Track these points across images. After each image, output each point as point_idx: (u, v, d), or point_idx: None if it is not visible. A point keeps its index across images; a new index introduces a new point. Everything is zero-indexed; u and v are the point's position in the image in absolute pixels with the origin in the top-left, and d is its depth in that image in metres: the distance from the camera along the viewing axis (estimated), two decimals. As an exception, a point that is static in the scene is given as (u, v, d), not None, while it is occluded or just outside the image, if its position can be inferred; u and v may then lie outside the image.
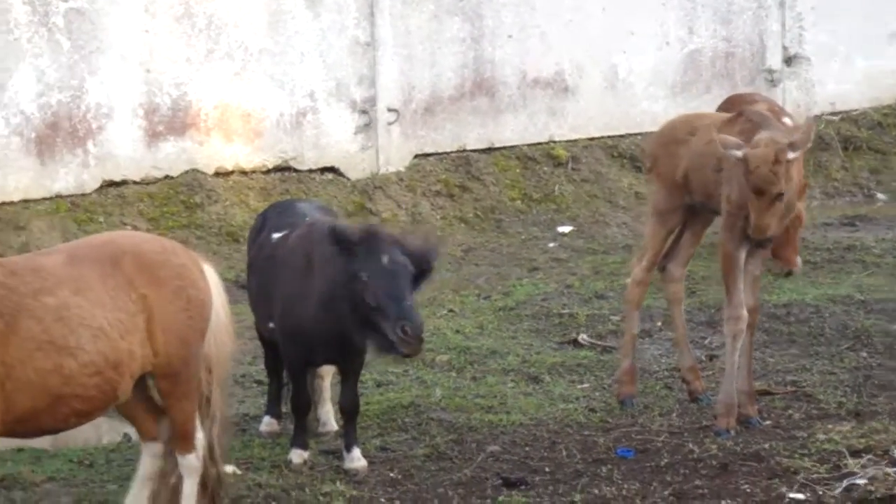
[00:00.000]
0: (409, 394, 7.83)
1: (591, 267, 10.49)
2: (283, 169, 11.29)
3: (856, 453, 6.65)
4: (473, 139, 12.11)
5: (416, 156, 11.82)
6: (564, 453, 7.00)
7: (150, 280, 5.66)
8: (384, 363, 7.85)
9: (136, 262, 5.67)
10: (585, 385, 8.06)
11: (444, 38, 12.01)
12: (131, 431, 6.80)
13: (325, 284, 6.60)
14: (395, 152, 11.73)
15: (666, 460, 6.85)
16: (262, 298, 7.03)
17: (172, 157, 11.02)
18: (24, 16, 10.58)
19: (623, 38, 12.71)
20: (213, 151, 11.13)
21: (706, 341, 8.84)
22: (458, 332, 8.97)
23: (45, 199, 10.57)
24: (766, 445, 6.93)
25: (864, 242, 10.84)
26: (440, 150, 11.92)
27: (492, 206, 11.61)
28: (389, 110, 11.73)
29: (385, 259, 6.43)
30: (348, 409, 6.85)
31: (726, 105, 11.00)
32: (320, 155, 11.50)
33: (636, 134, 12.68)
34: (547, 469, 6.82)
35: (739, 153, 6.90)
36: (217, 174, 11.06)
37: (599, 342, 8.80)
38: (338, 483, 6.64)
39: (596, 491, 6.52)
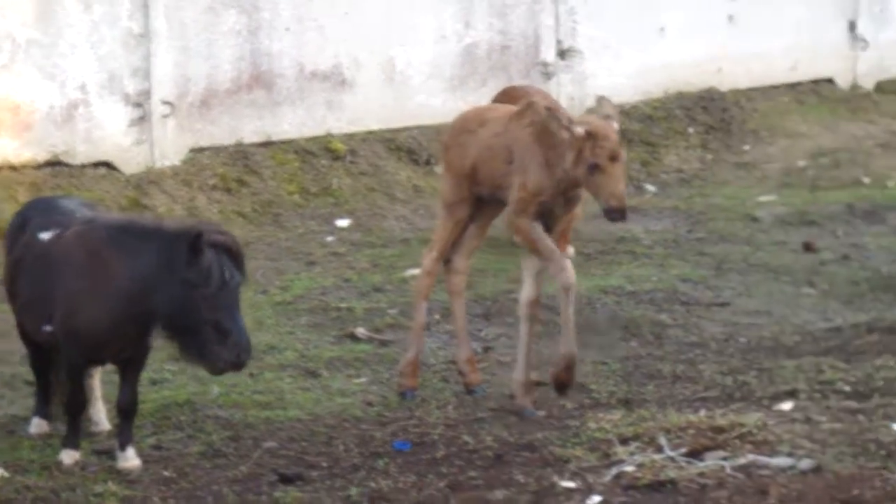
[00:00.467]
0: (184, 391, 7.75)
1: (370, 260, 10.53)
2: (54, 164, 11.03)
3: (625, 441, 6.81)
4: (251, 132, 12.02)
5: (192, 150, 11.68)
6: (341, 448, 7.02)
7: None
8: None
9: None
10: (363, 379, 8.09)
11: (220, 31, 11.88)
12: None
13: (136, 285, 6.47)
14: (170, 146, 11.57)
15: (442, 452, 6.92)
16: (37, 300, 6.83)
17: (-62, 151, 10.71)
18: None
19: (401, 32, 12.76)
20: (-20, 146, 10.85)
21: (482, 333, 8.95)
22: (235, 327, 8.90)
23: None
24: (540, 435, 7.06)
25: (635, 234, 11.10)
26: (217, 144, 11.80)
27: (269, 200, 11.54)
28: (164, 103, 11.55)
29: (227, 275, 6.38)
30: (127, 408, 6.75)
31: (501, 97, 11.11)
32: (93, 149, 11.27)
33: (414, 127, 12.75)
34: (324, 464, 6.83)
35: (581, 129, 7.08)
36: (-16, 169, 10.78)
37: (377, 336, 8.83)
38: (110, 483, 6.55)
39: (372, 484, 6.56)
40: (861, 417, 7.04)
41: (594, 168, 7.12)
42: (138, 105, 11.47)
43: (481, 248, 10.62)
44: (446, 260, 7.88)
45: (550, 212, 7.46)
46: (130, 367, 6.80)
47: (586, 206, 10.70)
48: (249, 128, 12.03)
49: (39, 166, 10.99)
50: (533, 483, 6.52)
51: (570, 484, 6.48)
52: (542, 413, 7.45)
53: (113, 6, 11.33)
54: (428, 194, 12.12)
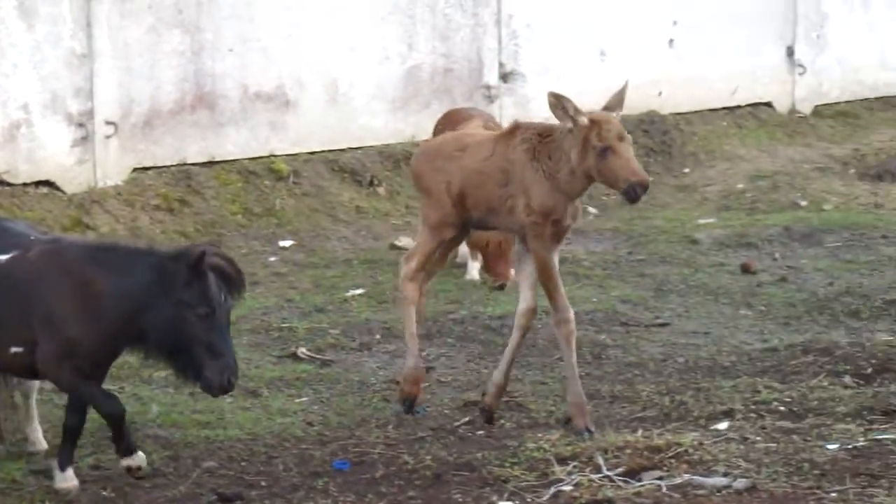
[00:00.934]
0: (124, 410, 7.73)
1: (312, 281, 10.56)
2: (-6, 183, 11.03)
3: (563, 460, 6.85)
4: (194, 153, 12.04)
5: (135, 169, 11.68)
6: (281, 467, 7.04)
7: None
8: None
9: None
10: (304, 399, 8.12)
11: (163, 51, 11.90)
12: None
13: (126, 304, 6.48)
14: (112, 166, 11.56)
15: (381, 472, 6.95)
16: (6, 322, 6.66)
17: None
18: None
19: (344, 53, 12.83)
20: (-76, 165, 10.82)
21: (423, 353, 8.96)
22: (176, 347, 8.90)
23: None
24: (479, 455, 7.09)
25: (576, 255, 11.19)
26: (160, 164, 11.81)
27: (212, 220, 11.56)
28: (107, 123, 11.56)
29: (223, 297, 6.45)
30: (76, 429, 6.75)
31: (445, 120, 11.20)
32: (35, 169, 11.26)
33: (357, 148, 12.82)
34: (263, 483, 6.84)
35: (585, 118, 7.12)
36: (-74, 189, 10.74)
37: (319, 356, 8.86)
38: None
39: (312, 504, 6.59)
40: (795, 437, 7.13)
41: (606, 151, 7.07)
42: (81, 125, 11.46)
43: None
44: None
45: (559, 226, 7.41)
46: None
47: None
48: (193, 148, 12.05)
49: (-20, 186, 10.97)
50: (472, 502, 6.56)
51: None
52: (480, 432, 7.49)
53: (55, 26, 11.33)
54: (371, 215, 12.19)
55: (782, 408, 7.61)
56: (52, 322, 6.57)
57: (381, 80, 13.06)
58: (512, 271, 10.38)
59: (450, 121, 11.03)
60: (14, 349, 6.66)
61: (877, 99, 16.16)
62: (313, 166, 12.46)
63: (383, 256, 11.38)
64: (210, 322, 6.46)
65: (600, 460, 6.80)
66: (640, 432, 7.19)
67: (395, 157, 12.90)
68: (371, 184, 12.60)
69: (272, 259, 11.19)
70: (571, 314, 7.47)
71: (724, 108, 14.82)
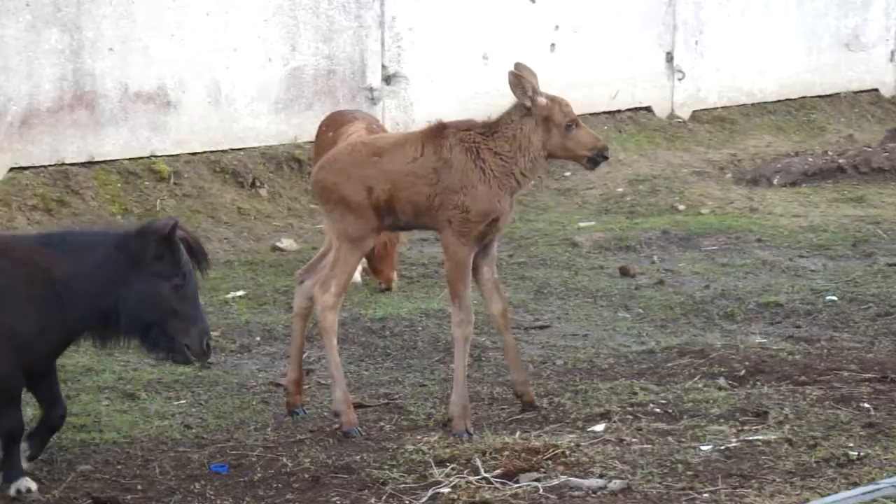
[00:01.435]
0: (-2, 414, 7.62)
1: (192, 283, 10.47)
2: None
3: (441, 463, 6.89)
4: (73, 153, 11.91)
5: (12, 169, 11.53)
6: (158, 470, 6.99)
7: None
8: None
9: None
10: (182, 401, 8.07)
11: (42, 50, 11.76)
12: None
13: (91, 286, 6.44)
14: (-11, 165, 11.42)
15: (259, 475, 6.93)
16: None
17: None
18: None
19: (226, 54, 12.77)
20: None
21: (304, 356, 8.95)
22: (52, 349, 8.79)
23: None
24: (358, 457, 7.11)
25: (457, 258, 11.23)
26: (37, 164, 11.67)
27: (91, 221, 11.43)
28: (-17, 122, 11.41)
29: (190, 264, 6.55)
30: (60, 423, 6.73)
31: (328, 122, 11.20)
32: None
33: (239, 149, 12.77)
34: (139, 487, 6.79)
35: (544, 99, 7.33)
36: None
37: (198, 358, 8.79)
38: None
39: (188, 508, 6.56)
40: (670, 439, 7.23)
41: (571, 126, 7.36)
42: (-44, 123, 11.30)
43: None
44: (300, 281, 7.78)
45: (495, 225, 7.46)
46: (51, 377, 6.71)
47: (410, 233, 10.87)
48: (71, 148, 11.92)
49: None
50: (350, 505, 6.58)
51: (387, 505, 6.55)
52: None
53: (-70, 22, 11.16)
54: (252, 217, 12.14)
55: (658, 409, 7.71)
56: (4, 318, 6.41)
57: (264, 82, 13.01)
58: (395, 275, 10.46)
59: (333, 123, 11.04)
60: None
61: (753, 105, 16.43)
62: (194, 167, 12.39)
63: (265, 258, 11.35)
64: (184, 291, 6.53)
65: (478, 462, 6.85)
66: (518, 434, 7.26)
67: (278, 159, 12.86)
68: (253, 185, 12.56)
69: (152, 260, 11.08)
70: (472, 317, 7.50)
71: (604, 113, 14.97)
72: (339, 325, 9.35)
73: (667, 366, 8.55)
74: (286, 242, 11.60)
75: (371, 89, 13.67)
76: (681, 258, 11.41)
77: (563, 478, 6.70)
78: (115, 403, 7.95)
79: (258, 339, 9.23)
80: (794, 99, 16.81)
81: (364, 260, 10.43)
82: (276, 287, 10.44)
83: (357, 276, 10.57)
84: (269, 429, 7.60)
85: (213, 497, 6.67)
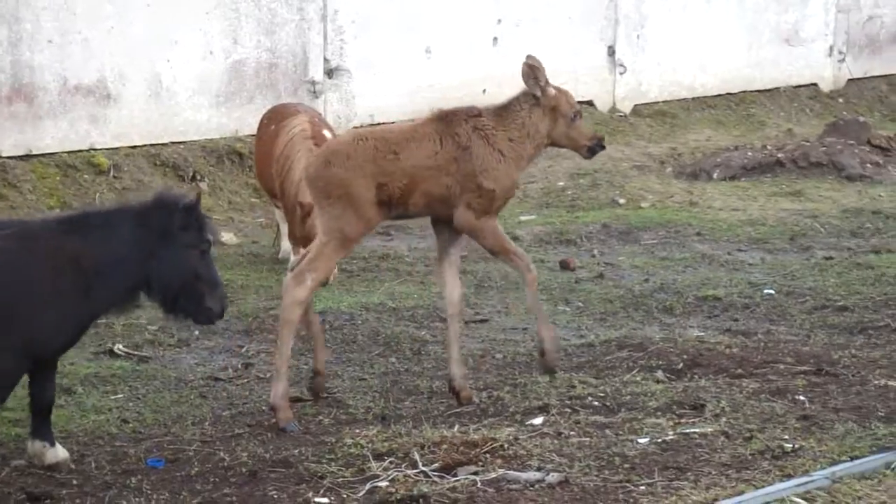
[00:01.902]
0: (-68, 409, 7.57)
1: (131, 276, 10.42)
2: None
3: (379, 456, 6.89)
4: (10, 146, 11.82)
5: (-51, 162, 11.46)
6: (93, 465, 6.94)
7: None
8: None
9: None
10: (119, 396, 8.03)
11: (-21, 42, 11.68)
12: None
13: (126, 265, 6.65)
14: (-75, 158, 11.32)
15: (196, 469, 6.90)
16: None
17: None
18: None
19: (167, 47, 12.71)
20: None
21: (243, 350, 8.96)
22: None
23: None
24: (296, 451, 7.09)
25: (398, 251, 11.26)
26: (-26, 157, 11.59)
27: (29, 214, 11.35)
28: (-81, 114, 11.31)
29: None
30: (51, 404, 6.85)
31: (270, 115, 11.18)
32: None
33: (179, 143, 12.72)
34: (74, 482, 6.74)
35: (553, 90, 7.69)
36: None
37: (136, 352, 8.77)
38: None
39: (124, 502, 6.51)
40: (608, 432, 7.26)
41: (576, 116, 7.76)
42: None
43: (243, 263, 10.72)
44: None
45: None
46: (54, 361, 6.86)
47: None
48: (9, 141, 11.83)
49: None
50: (287, 499, 6.56)
51: (324, 500, 6.53)
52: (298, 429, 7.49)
53: None
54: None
55: (596, 403, 7.75)
56: (40, 304, 6.50)
57: (205, 75, 12.97)
58: (336, 269, 10.43)
59: (275, 116, 11.02)
60: None
61: (694, 99, 16.53)
62: (134, 160, 12.33)
63: (205, 252, 11.28)
64: (208, 257, 6.88)
65: (416, 456, 6.85)
66: (456, 428, 7.27)
67: (219, 152, 12.82)
68: (193, 179, 12.51)
69: (91, 254, 11.02)
70: (531, 262, 7.87)
71: (547, 107, 14.99)
72: (278, 320, 9.39)
73: (605, 359, 8.60)
74: (227, 237, 11.56)
75: (313, 83, 13.65)
76: (621, 252, 11.47)
77: (501, 471, 6.71)
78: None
79: (196, 333, 9.18)
80: (735, 93, 16.94)
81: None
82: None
83: (297, 270, 10.55)
84: (206, 423, 7.57)
85: (149, 492, 6.63)
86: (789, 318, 9.49)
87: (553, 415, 7.53)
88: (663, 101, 16.20)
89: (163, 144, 12.61)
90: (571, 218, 12.47)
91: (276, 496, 6.59)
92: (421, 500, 6.46)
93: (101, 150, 12.24)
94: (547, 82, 7.71)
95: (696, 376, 8.16)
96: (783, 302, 9.86)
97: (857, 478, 6.52)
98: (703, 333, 9.12)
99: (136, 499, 6.55)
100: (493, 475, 6.69)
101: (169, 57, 12.72)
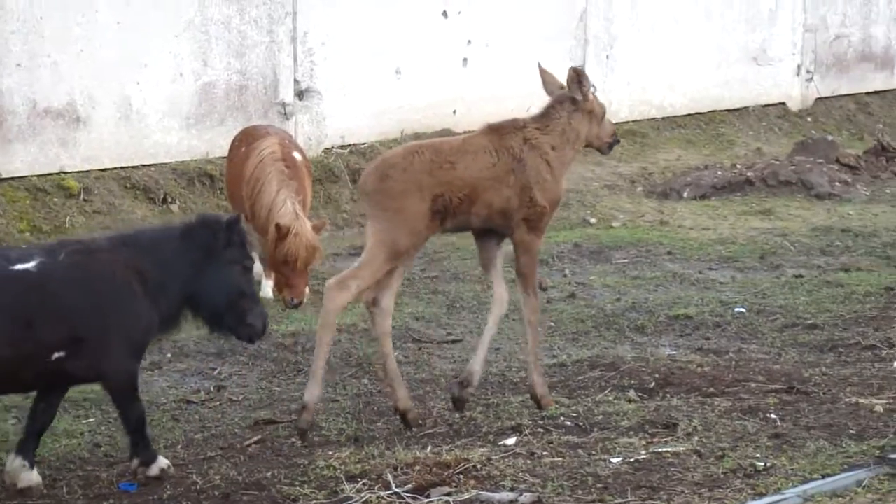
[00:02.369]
0: None
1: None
2: None
3: (352, 478, 6.88)
4: (-20, 169, 11.79)
5: (-81, 186, 11.41)
6: (65, 490, 6.92)
7: None
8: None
9: None
10: (91, 420, 8.01)
11: (-52, 65, 11.65)
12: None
13: (177, 282, 6.87)
14: None
15: (169, 493, 6.88)
16: (42, 330, 6.62)
17: None
18: None
19: (137, 69, 12.70)
20: None
21: (215, 372, 8.94)
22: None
23: None
24: (269, 474, 7.08)
25: (370, 272, 11.23)
26: (-57, 181, 11.55)
27: (0, 238, 11.32)
28: None
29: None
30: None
31: (241, 137, 11.19)
32: None
33: (150, 165, 12.70)
34: (47, 507, 6.74)
35: (591, 95, 7.89)
36: None
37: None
38: None
39: (97, 527, 6.51)
40: (581, 451, 7.26)
41: (603, 116, 8.00)
42: None
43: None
44: (373, 300, 7.72)
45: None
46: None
47: (325, 246, 10.86)
48: (-21, 165, 11.81)
49: None
50: (260, 522, 6.56)
51: (297, 522, 6.53)
52: (269, 451, 7.47)
53: None
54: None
55: (569, 422, 7.75)
56: (113, 319, 6.71)
57: (175, 97, 12.96)
58: (307, 290, 10.43)
59: (246, 138, 11.04)
60: (58, 354, 6.66)
61: (664, 119, 16.60)
62: (105, 183, 12.30)
63: (176, 274, 11.26)
64: (250, 274, 7.12)
65: (389, 477, 6.84)
66: (429, 449, 7.26)
67: (189, 175, 12.81)
68: (164, 201, 12.49)
69: (61, 278, 10.98)
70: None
71: (517, 127, 15.02)
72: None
73: (578, 378, 8.61)
74: (198, 258, 11.51)
75: (283, 104, 13.65)
76: (592, 271, 11.49)
77: (475, 492, 6.70)
78: (23, 422, 7.83)
79: (169, 356, 9.18)
80: (704, 113, 17.02)
81: (274, 275, 10.42)
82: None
83: (269, 292, 10.54)
84: (179, 446, 7.56)
85: (121, 516, 6.62)
86: (760, 336, 9.53)
87: (526, 435, 7.53)
88: (633, 121, 16.26)
89: (133, 167, 12.59)
90: (543, 237, 12.47)
91: (249, 519, 6.59)
92: (394, 522, 6.47)
93: (71, 173, 12.21)
94: (589, 87, 7.91)
95: (668, 395, 8.18)
96: (754, 320, 9.90)
97: (829, 495, 6.54)
98: (674, 352, 9.15)
99: (109, 523, 6.53)
100: (466, 496, 6.68)
101: (139, 79, 12.71)
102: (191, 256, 6.93)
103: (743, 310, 10.15)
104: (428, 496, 6.69)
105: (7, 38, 11.93)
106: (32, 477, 6.83)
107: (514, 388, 8.49)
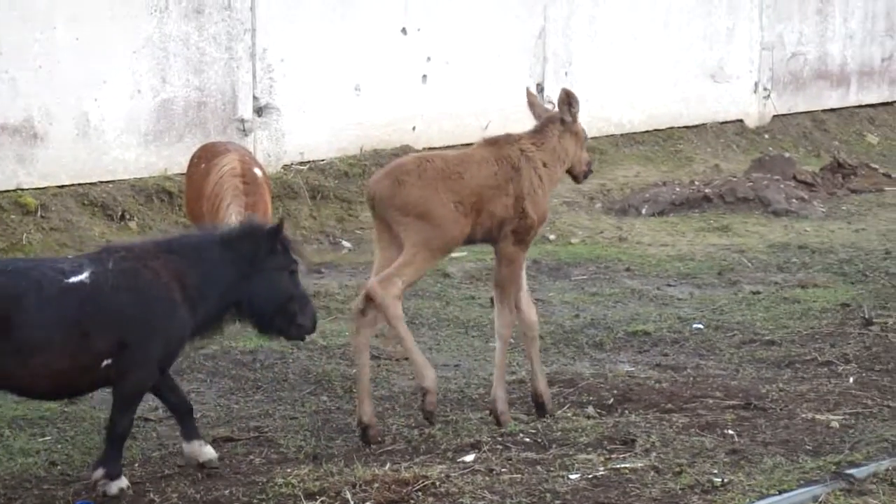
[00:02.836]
0: None
1: (59, 317, 10.33)
2: None
3: (311, 496, 6.87)
4: (-64, 186, 11.72)
5: None
6: (22, 509, 6.90)
7: None
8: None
9: None
10: (47, 438, 7.96)
11: None
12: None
13: (221, 288, 7.01)
14: None
15: (124, 511, 6.87)
16: (93, 339, 6.75)
17: None
18: None
19: (95, 86, 12.65)
20: None
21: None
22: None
23: None
24: (226, 492, 7.06)
25: (329, 289, 11.24)
26: None
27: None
28: None
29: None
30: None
31: (201, 153, 11.13)
32: None
33: (108, 182, 12.64)
34: (2, 526, 6.69)
35: (569, 116, 8.06)
36: None
37: (65, 394, 8.68)
38: None
39: (53, 546, 6.47)
40: (539, 468, 7.28)
41: (585, 141, 8.20)
42: None
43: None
44: (361, 311, 7.87)
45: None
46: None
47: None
48: (-65, 181, 11.74)
49: None
50: (218, 540, 6.54)
51: (256, 540, 6.52)
52: (228, 469, 7.44)
53: None
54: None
55: (527, 439, 7.76)
56: (155, 324, 6.85)
57: (134, 114, 12.92)
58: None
59: (206, 154, 10.98)
60: (107, 361, 6.82)
61: (622, 135, 16.66)
62: (62, 200, 12.24)
63: (134, 291, 11.20)
64: (297, 276, 7.24)
65: (348, 495, 6.84)
66: (388, 466, 7.26)
67: (148, 191, 12.77)
68: (122, 218, 12.44)
69: (19, 295, 10.91)
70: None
71: (476, 144, 15.06)
72: (209, 359, 9.39)
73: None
74: (156, 275, 11.47)
75: (242, 121, 13.63)
76: (551, 287, 11.52)
77: (433, 509, 6.71)
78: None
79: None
80: (662, 129, 17.10)
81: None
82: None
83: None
84: (136, 464, 7.52)
85: (78, 535, 6.58)
86: (718, 352, 9.57)
87: (485, 452, 7.54)
88: (592, 138, 16.20)
89: (91, 184, 12.54)
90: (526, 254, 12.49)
91: (205, 538, 6.56)
92: (353, 539, 6.46)
93: (28, 190, 12.15)
94: (578, 109, 8.09)
95: (627, 411, 8.21)
96: (712, 336, 9.94)
97: (786, 511, 6.58)
98: (633, 368, 9.18)
99: (65, 542, 6.50)
100: (424, 513, 6.69)
101: (97, 96, 12.67)
102: (232, 264, 7.07)
103: (701, 326, 10.20)
104: (386, 513, 6.70)
105: (-36, 54, 11.88)
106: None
107: (474, 405, 8.49)
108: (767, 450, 7.46)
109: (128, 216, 12.48)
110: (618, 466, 7.23)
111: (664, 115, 17.21)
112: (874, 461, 7.13)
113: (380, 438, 7.81)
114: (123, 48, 12.78)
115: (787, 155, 16.17)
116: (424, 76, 14.98)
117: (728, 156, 17.04)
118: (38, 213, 12.02)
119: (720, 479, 6.96)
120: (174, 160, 12.89)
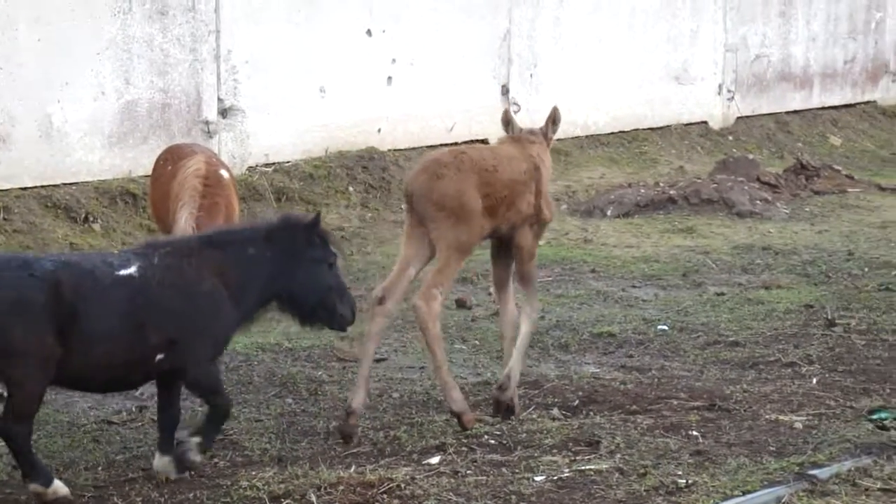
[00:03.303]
0: None
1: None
2: None
3: (276, 499, 6.86)
4: None
5: None
6: (-16, 515, 6.85)
7: None
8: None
9: None
10: (11, 442, 7.90)
11: None
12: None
13: (264, 280, 7.10)
14: None
15: (90, 515, 6.83)
16: (147, 334, 6.81)
17: None
18: None
19: (58, 88, 12.60)
20: None
21: (137, 393, 8.85)
22: None
23: None
24: (191, 495, 7.03)
25: (294, 291, 11.20)
26: None
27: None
28: None
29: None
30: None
31: (167, 155, 11.09)
32: None
33: (71, 184, 12.59)
34: (-36, 531, 6.65)
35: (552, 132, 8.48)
36: None
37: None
38: None
39: (16, 551, 6.43)
40: (504, 470, 7.28)
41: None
42: None
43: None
44: (380, 299, 7.98)
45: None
46: None
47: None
48: None
49: None
50: (183, 544, 6.51)
51: (218, 543, 6.49)
52: (192, 473, 7.42)
53: None
54: (85, 252, 11.96)
55: (493, 441, 7.77)
56: (203, 320, 6.93)
57: (97, 115, 12.87)
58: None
59: (172, 156, 10.93)
60: (159, 356, 6.89)
61: (587, 137, 16.70)
62: (25, 202, 12.18)
63: (98, 294, 11.16)
64: (336, 268, 7.31)
65: (313, 497, 6.83)
66: (353, 468, 7.26)
67: (112, 193, 12.72)
68: (86, 220, 12.39)
69: (-19, 298, 10.85)
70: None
71: (441, 145, 15.04)
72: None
73: (502, 397, 8.60)
74: (120, 278, 11.42)
75: (207, 123, 13.60)
76: (516, 289, 11.49)
77: (399, 511, 6.71)
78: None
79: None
80: (627, 131, 17.15)
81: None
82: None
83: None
84: (99, 468, 7.48)
85: (41, 539, 6.54)
86: (682, 353, 9.60)
87: (450, 454, 7.54)
88: (557, 139, 16.24)
89: (54, 186, 12.49)
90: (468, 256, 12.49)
91: (171, 541, 6.54)
92: (318, 542, 6.45)
93: (-9, 192, 12.10)
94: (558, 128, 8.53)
95: (592, 413, 8.22)
96: (676, 338, 9.97)
97: (750, 512, 6.60)
98: (598, 370, 9.19)
99: (28, 546, 6.46)
100: (390, 516, 6.69)
101: (60, 98, 12.61)
102: (273, 257, 7.14)
103: (665, 327, 10.23)
104: (352, 516, 6.69)
105: (-75, 56, 11.81)
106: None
107: (439, 407, 8.49)
108: (731, 451, 7.48)
109: (91, 218, 12.43)
110: (583, 468, 7.24)
111: (629, 116, 17.26)
112: (837, 462, 7.17)
113: (353, 431, 7.80)
114: (87, 50, 12.73)
115: (750, 156, 16.24)
116: (389, 78, 14.97)
117: (692, 157, 17.10)
118: (1, 215, 11.96)
119: (684, 481, 6.98)
120: (138, 162, 12.85)
